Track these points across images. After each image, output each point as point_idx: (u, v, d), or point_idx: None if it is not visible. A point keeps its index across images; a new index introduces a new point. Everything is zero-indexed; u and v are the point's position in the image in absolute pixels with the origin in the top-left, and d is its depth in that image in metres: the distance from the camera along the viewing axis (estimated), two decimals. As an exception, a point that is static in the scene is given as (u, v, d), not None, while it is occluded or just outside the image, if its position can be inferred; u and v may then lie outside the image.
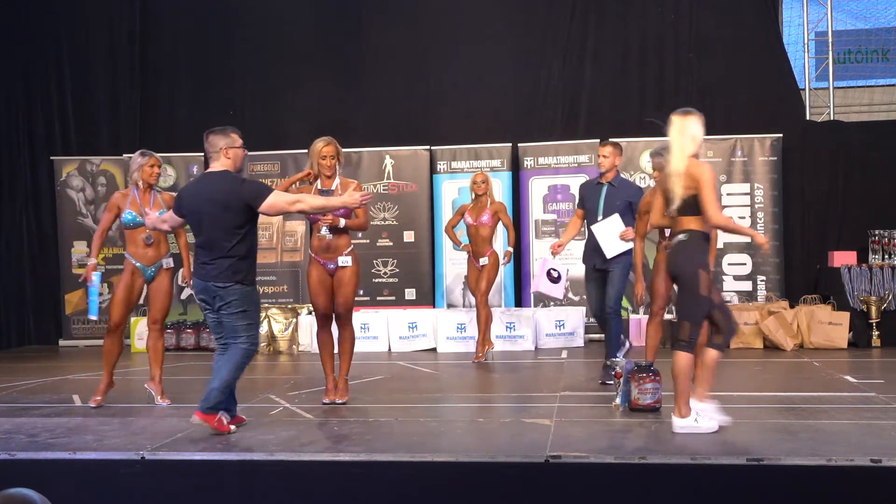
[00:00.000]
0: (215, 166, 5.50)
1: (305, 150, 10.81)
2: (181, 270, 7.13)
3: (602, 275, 7.27)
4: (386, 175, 10.74)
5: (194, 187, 5.59)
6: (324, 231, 6.29)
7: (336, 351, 6.50)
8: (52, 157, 11.42)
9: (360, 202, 5.54)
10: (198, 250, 5.48)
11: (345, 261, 6.34)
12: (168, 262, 6.68)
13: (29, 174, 11.60)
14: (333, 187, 6.37)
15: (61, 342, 11.26)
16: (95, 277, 6.53)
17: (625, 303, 10.46)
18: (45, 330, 11.53)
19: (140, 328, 10.56)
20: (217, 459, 4.84)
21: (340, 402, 6.41)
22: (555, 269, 7.96)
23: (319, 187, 6.40)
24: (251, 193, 5.38)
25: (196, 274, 5.48)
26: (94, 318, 6.85)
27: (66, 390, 7.48)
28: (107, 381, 6.64)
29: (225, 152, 5.46)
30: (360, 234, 6.88)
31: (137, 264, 6.56)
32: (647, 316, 9.98)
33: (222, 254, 5.35)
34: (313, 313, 6.67)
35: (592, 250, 7.30)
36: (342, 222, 6.29)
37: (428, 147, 10.90)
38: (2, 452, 4.95)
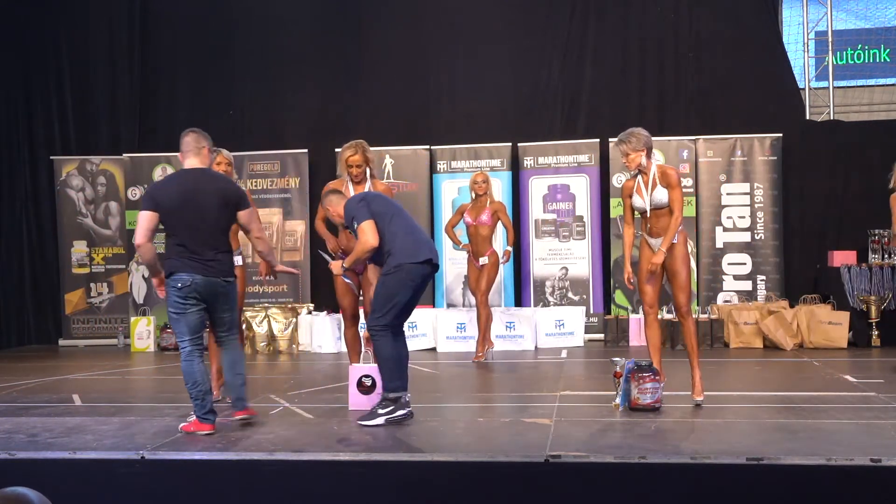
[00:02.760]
0: (194, 162, 5.48)
1: (305, 150, 10.98)
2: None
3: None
4: (386, 175, 10.73)
5: (181, 183, 5.42)
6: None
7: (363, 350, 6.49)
8: (52, 157, 11.42)
9: (285, 272, 6.19)
10: (196, 247, 5.29)
11: None
12: (236, 260, 6.32)
13: (29, 174, 11.59)
14: (366, 190, 6.38)
15: (61, 342, 11.26)
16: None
17: (625, 303, 10.50)
18: (45, 330, 11.54)
19: (140, 328, 10.58)
20: (217, 459, 4.84)
21: None
22: (367, 377, 5.95)
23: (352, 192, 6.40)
24: (240, 195, 5.57)
25: (198, 271, 5.28)
26: None
27: (66, 390, 7.48)
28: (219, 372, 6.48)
29: (207, 151, 5.55)
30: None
31: None
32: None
33: (224, 249, 5.45)
34: (341, 314, 6.62)
35: None
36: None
37: (428, 147, 10.90)
38: (2, 452, 4.95)
